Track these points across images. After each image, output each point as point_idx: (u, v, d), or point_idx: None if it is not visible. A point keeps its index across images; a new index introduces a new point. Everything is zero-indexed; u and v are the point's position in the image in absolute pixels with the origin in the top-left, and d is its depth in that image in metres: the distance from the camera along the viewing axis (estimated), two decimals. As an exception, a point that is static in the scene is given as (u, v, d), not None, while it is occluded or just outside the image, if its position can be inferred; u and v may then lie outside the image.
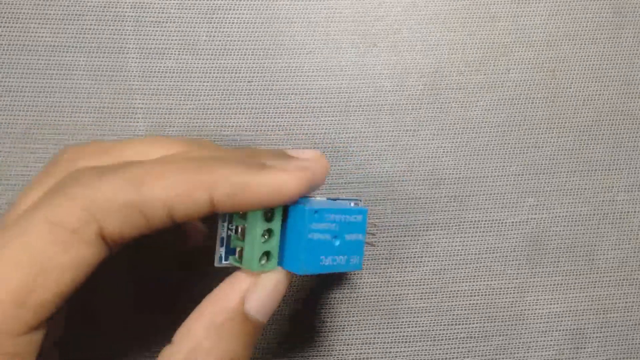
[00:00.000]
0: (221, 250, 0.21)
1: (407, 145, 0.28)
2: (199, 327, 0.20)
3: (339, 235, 0.21)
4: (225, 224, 0.21)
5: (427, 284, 0.27)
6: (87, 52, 0.27)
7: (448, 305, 0.27)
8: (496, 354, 0.27)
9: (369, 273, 0.27)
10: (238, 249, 0.21)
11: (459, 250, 0.27)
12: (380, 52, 0.28)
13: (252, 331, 0.21)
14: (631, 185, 0.28)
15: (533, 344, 0.27)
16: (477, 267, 0.27)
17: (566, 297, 0.27)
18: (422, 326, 0.27)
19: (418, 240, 0.27)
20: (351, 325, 0.27)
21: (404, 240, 0.27)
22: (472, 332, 0.27)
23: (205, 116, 0.27)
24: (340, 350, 0.27)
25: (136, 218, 0.19)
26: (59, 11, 0.27)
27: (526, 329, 0.27)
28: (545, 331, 0.27)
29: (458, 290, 0.27)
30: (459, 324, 0.27)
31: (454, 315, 0.27)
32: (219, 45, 0.28)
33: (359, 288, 0.27)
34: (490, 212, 0.28)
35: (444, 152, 0.28)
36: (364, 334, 0.27)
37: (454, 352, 0.27)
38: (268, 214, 0.20)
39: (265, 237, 0.20)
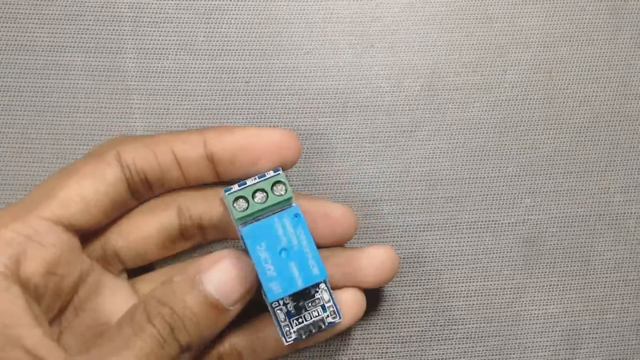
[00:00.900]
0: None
1: (403, 145, 0.28)
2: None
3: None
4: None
5: (424, 285, 0.27)
6: (85, 52, 0.27)
7: (444, 306, 0.27)
8: (492, 355, 0.27)
9: (366, 273, 0.27)
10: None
11: (455, 250, 0.27)
12: (378, 52, 0.28)
13: (213, 316, 0.21)
14: (627, 186, 0.28)
15: (529, 344, 0.27)
16: (473, 267, 0.27)
17: (562, 298, 0.27)
18: (419, 327, 0.27)
19: (414, 240, 0.27)
20: (347, 325, 0.27)
21: (401, 241, 0.27)
22: (468, 332, 0.27)
23: (202, 116, 0.28)
24: (336, 350, 0.27)
25: (147, 152, 0.23)
26: (57, 11, 0.28)
27: (522, 329, 0.27)
28: (542, 332, 0.27)
29: (454, 291, 0.27)
30: (456, 325, 0.27)
31: (450, 315, 0.27)
32: (216, 45, 0.28)
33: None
34: (487, 213, 0.28)
35: (440, 152, 0.28)
36: (361, 334, 0.27)
37: (450, 353, 0.27)
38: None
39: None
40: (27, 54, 0.27)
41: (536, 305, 0.27)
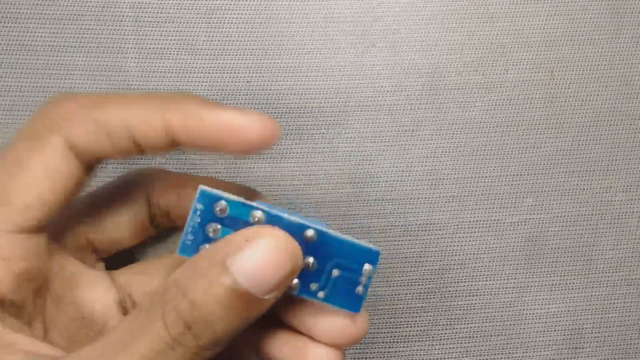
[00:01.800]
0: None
1: (405, 145, 0.28)
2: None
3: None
4: None
5: (426, 284, 0.27)
6: (86, 52, 0.27)
7: (446, 305, 0.27)
8: (494, 354, 0.27)
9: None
10: None
11: (457, 250, 0.27)
12: (379, 52, 0.28)
13: (242, 306, 0.18)
14: (629, 185, 0.28)
15: (531, 343, 0.27)
16: (475, 267, 0.27)
17: (564, 297, 0.27)
18: (421, 326, 0.27)
19: (416, 240, 0.27)
20: (350, 325, 0.27)
21: (403, 240, 0.27)
22: (470, 331, 0.27)
23: (204, 116, 0.28)
24: (338, 350, 0.27)
25: (98, 132, 0.20)
26: (58, 11, 0.27)
27: (524, 328, 0.27)
28: (544, 331, 0.27)
29: (456, 290, 0.27)
30: (458, 324, 0.27)
31: (452, 315, 0.27)
32: (217, 45, 0.28)
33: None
34: (489, 212, 0.28)
35: (442, 152, 0.28)
36: (363, 333, 0.27)
37: (452, 352, 0.27)
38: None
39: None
40: (28, 54, 0.27)
41: (538, 305, 0.27)
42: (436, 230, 0.27)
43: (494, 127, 0.28)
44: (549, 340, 0.27)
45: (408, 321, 0.27)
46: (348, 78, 0.28)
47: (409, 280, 0.27)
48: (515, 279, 0.27)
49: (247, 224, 0.19)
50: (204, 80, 0.28)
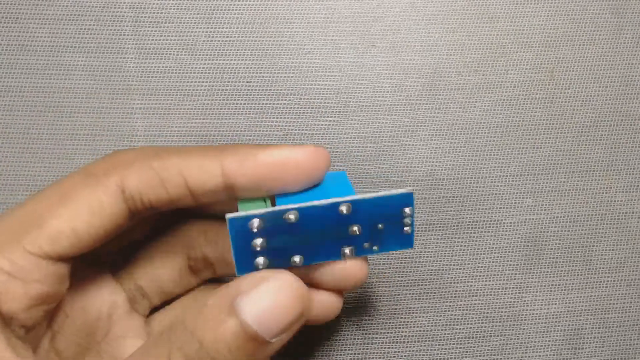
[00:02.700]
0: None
1: (405, 145, 0.28)
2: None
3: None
4: None
5: (426, 284, 0.27)
6: (86, 52, 0.27)
7: (446, 306, 0.27)
8: (494, 354, 0.27)
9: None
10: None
11: (457, 250, 0.27)
12: (379, 52, 0.28)
13: (250, 348, 0.18)
14: (629, 186, 0.28)
15: (531, 344, 0.27)
16: (475, 267, 0.27)
17: (564, 298, 0.27)
18: (420, 326, 0.27)
19: (416, 240, 0.27)
20: (349, 325, 0.27)
21: (403, 241, 0.27)
22: (470, 332, 0.27)
23: (203, 116, 0.28)
24: (338, 350, 0.27)
25: (154, 180, 0.20)
26: (58, 11, 0.27)
27: (524, 329, 0.27)
28: (544, 331, 0.27)
29: (456, 291, 0.27)
30: (457, 324, 0.27)
31: (452, 315, 0.27)
32: (217, 45, 0.28)
33: (357, 288, 0.27)
34: (489, 213, 0.28)
35: (442, 152, 0.28)
36: (362, 334, 0.27)
37: (452, 353, 0.27)
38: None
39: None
40: (28, 54, 0.27)
41: (538, 305, 0.27)
42: (436, 230, 0.27)
43: (494, 128, 0.28)
44: (549, 341, 0.27)
45: (408, 322, 0.27)
46: (348, 78, 0.28)
47: (408, 280, 0.27)
48: (515, 279, 0.27)
49: (285, 226, 0.20)
50: (204, 80, 0.28)
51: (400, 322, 0.27)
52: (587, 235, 0.28)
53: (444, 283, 0.27)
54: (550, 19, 0.28)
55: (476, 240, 0.27)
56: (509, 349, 0.27)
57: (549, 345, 0.27)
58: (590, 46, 0.28)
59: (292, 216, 0.20)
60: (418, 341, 0.27)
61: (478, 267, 0.27)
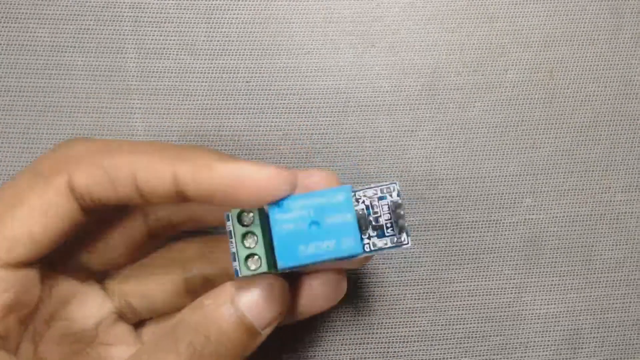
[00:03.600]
0: (235, 265, 0.20)
1: (404, 145, 0.28)
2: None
3: (318, 220, 0.19)
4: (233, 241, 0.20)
5: (425, 284, 0.27)
6: (86, 52, 0.27)
7: (445, 306, 0.27)
8: (493, 354, 0.27)
9: (367, 273, 0.27)
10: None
11: (456, 250, 0.27)
12: (379, 52, 0.28)
13: (246, 340, 0.20)
14: (629, 185, 0.28)
15: (530, 344, 0.27)
16: (474, 267, 0.27)
17: (564, 298, 0.27)
18: (419, 326, 0.27)
19: (415, 240, 0.27)
20: (348, 325, 0.27)
21: (402, 241, 0.27)
22: (469, 332, 0.27)
23: (203, 116, 0.28)
24: (336, 350, 0.27)
25: (103, 179, 0.20)
26: (58, 11, 0.28)
27: (524, 329, 0.27)
28: (543, 331, 0.27)
29: (455, 291, 0.27)
30: (457, 324, 0.27)
31: (451, 315, 0.27)
32: (217, 45, 0.28)
33: (356, 288, 0.27)
34: (488, 213, 0.28)
35: (441, 152, 0.28)
36: (361, 334, 0.27)
37: (451, 352, 0.27)
38: (245, 218, 0.19)
39: (251, 241, 0.19)
40: (27, 54, 0.27)
41: (537, 305, 0.27)
42: (435, 230, 0.27)
43: (493, 127, 0.28)
44: (548, 341, 0.27)
45: (407, 321, 0.27)
46: (348, 78, 0.28)
47: (407, 280, 0.27)
48: (514, 279, 0.27)
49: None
50: (204, 80, 0.28)
51: (399, 321, 0.27)
52: (586, 235, 0.28)
53: (443, 283, 0.27)
54: (549, 19, 0.28)
55: (475, 240, 0.27)
56: (509, 348, 0.27)
57: (548, 345, 0.27)
58: (589, 46, 0.28)
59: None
60: (417, 341, 0.27)
61: (477, 267, 0.27)
